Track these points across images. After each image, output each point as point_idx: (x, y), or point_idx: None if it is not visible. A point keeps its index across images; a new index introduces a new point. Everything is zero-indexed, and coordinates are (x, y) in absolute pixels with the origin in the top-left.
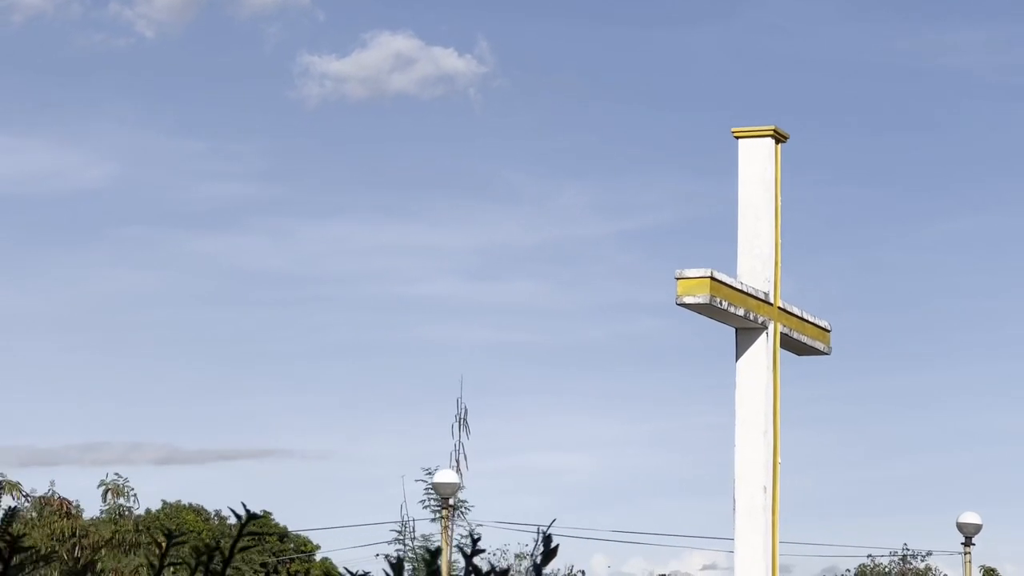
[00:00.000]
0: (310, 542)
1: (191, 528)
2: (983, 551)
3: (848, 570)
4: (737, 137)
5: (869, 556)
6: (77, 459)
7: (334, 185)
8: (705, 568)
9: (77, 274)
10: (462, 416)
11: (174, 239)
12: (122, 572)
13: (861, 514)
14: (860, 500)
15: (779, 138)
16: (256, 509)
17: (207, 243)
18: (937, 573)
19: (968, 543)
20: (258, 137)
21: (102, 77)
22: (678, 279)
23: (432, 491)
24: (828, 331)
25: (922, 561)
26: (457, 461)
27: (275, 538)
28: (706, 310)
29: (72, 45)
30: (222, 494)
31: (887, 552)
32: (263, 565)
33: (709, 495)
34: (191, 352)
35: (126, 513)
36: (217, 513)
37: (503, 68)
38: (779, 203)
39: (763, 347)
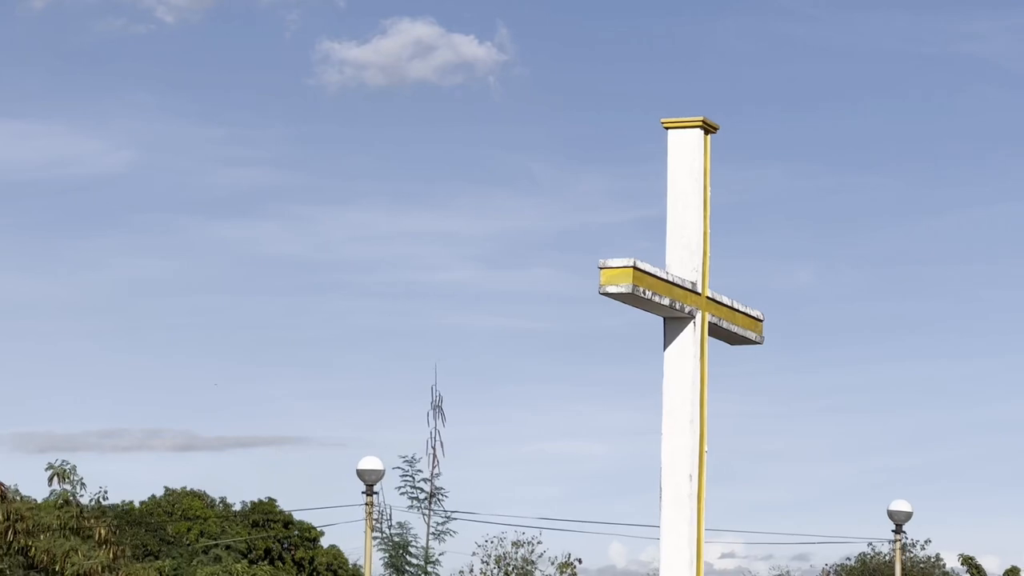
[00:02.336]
0: (314, 528)
1: (196, 514)
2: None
3: (848, 558)
4: (667, 128)
5: (869, 544)
6: (96, 445)
7: (353, 172)
8: (723, 556)
9: (96, 260)
10: (437, 404)
11: (193, 225)
12: (54, 555)
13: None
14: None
15: (708, 129)
16: (268, 496)
17: (226, 230)
18: (940, 563)
19: (899, 530)
20: (277, 124)
21: (121, 63)
22: (601, 268)
23: (409, 479)
24: (760, 320)
25: (922, 549)
26: (433, 449)
27: (279, 524)
28: (630, 299)
29: (92, 31)
30: (237, 481)
31: (888, 540)
32: (267, 551)
33: (727, 483)
34: (209, 338)
35: (71, 499)
36: (222, 500)
37: (523, 56)
38: (708, 193)
39: (690, 336)
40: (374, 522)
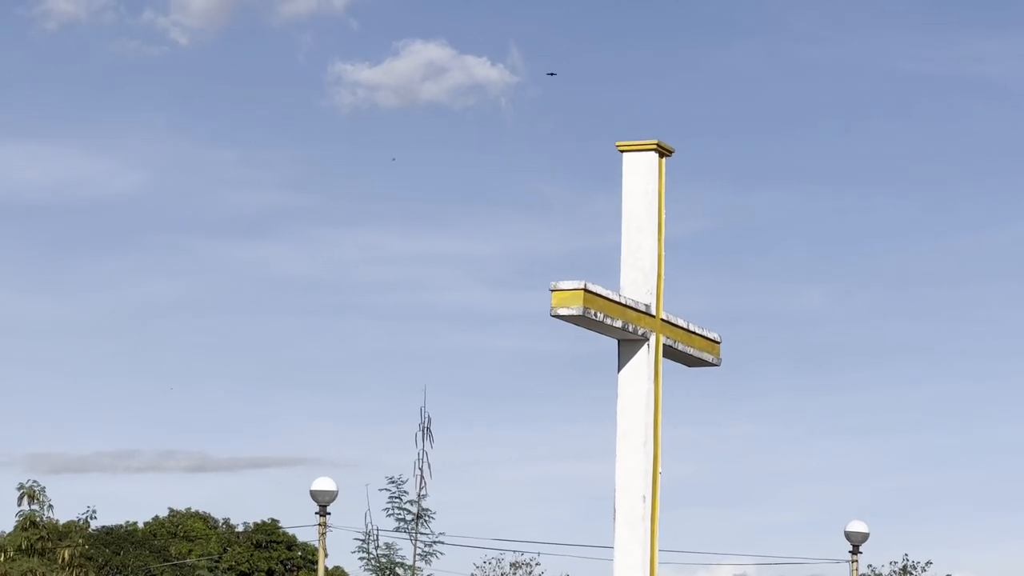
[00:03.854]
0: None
1: (198, 535)
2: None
3: None
4: (621, 151)
5: (869, 566)
6: (109, 466)
7: (365, 194)
8: None
9: (109, 281)
10: (425, 425)
11: (206, 247)
12: (10, 574)
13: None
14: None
15: (663, 152)
16: (272, 517)
17: (238, 251)
18: None
19: (855, 551)
20: (290, 145)
21: (135, 85)
22: (552, 291)
23: (396, 500)
24: (718, 343)
25: (923, 571)
26: (420, 470)
27: (283, 546)
28: (582, 322)
29: (105, 53)
30: (249, 501)
31: (888, 562)
32: (269, 572)
33: (737, 505)
34: (222, 360)
35: (38, 520)
36: (225, 521)
37: (534, 78)
38: (663, 216)
39: (644, 359)
40: (360, 543)
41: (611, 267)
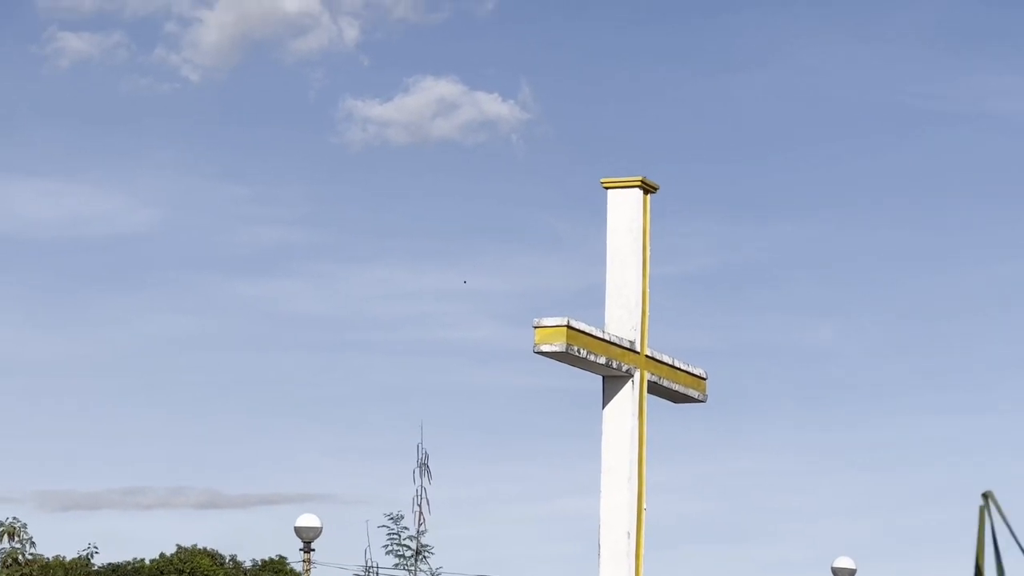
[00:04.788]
0: None
1: (204, 573)
2: None
3: None
4: (606, 187)
5: None
6: (119, 503)
7: (376, 230)
8: None
9: (120, 318)
10: (423, 462)
11: (216, 283)
12: None
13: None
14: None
15: (647, 188)
16: (279, 554)
17: (249, 287)
18: None
19: None
20: (301, 182)
21: (146, 122)
22: (535, 328)
23: (396, 536)
24: (703, 379)
25: None
26: (419, 507)
27: None
28: (566, 358)
29: (118, 90)
30: (260, 538)
31: None
32: None
33: (745, 541)
34: (233, 396)
35: (20, 557)
36: (232, 558)
37: (546, 114)
38: (647, 252)
39: (628, 395)
40: None
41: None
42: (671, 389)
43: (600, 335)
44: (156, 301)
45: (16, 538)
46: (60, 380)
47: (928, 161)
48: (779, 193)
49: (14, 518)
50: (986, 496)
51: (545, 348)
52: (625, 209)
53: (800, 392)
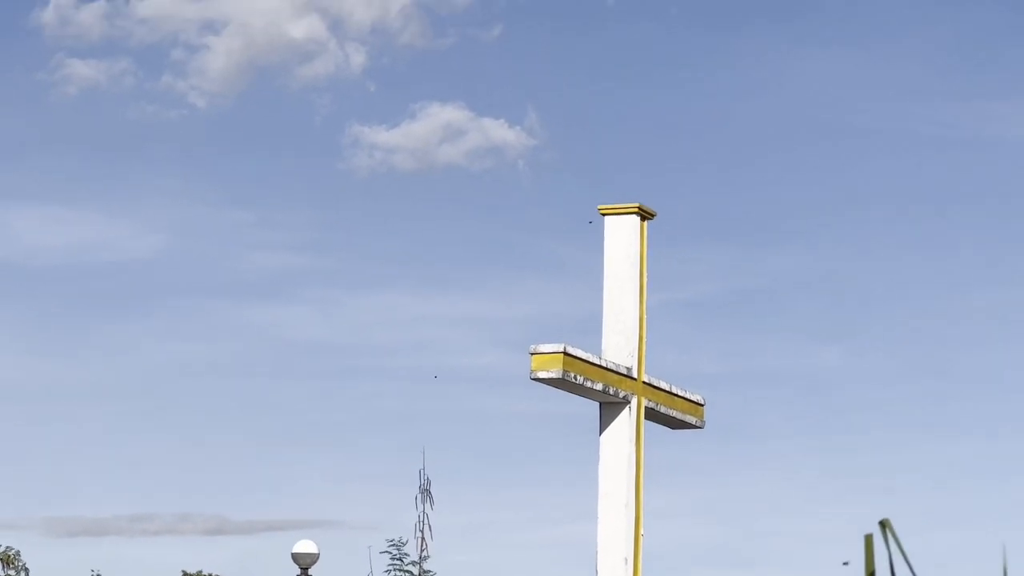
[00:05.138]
0: None
1: None
2: None
3: None
4: (603, 214)
5: None
6: (125, 529)
7: (382, 256)
8: None
9: (126, 345)
10: (425, 487)
11: (222, 310)
12: None
13: None
14: None
15: (645, 215)
16: None
17: (255, 313)
18: None
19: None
20: (307, 208)
21: (153, 148)
22: (532, 354)
23: (398, 562)
24: (701, 405)
25: None
26: (421, 532)
27: None
28: (562, 385)
29: (124, 117)
30: (268, 565)
31: None
32: None
33: (744, 568)
34: (240, 422)
35: None
36: None
37: (553, 140)
38: (645, 279)
39: (626, 421)
40: None
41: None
42: (668, 415)
43: (597, 362)
44: (161, 327)
45: (11, 565)
46: (65, 406)
47: (936, 185)
48: (784, 218)
49: (7, 547)
50: (883, 524)
51: (542, 375)
52: (622, 236)
53: (805, 417)
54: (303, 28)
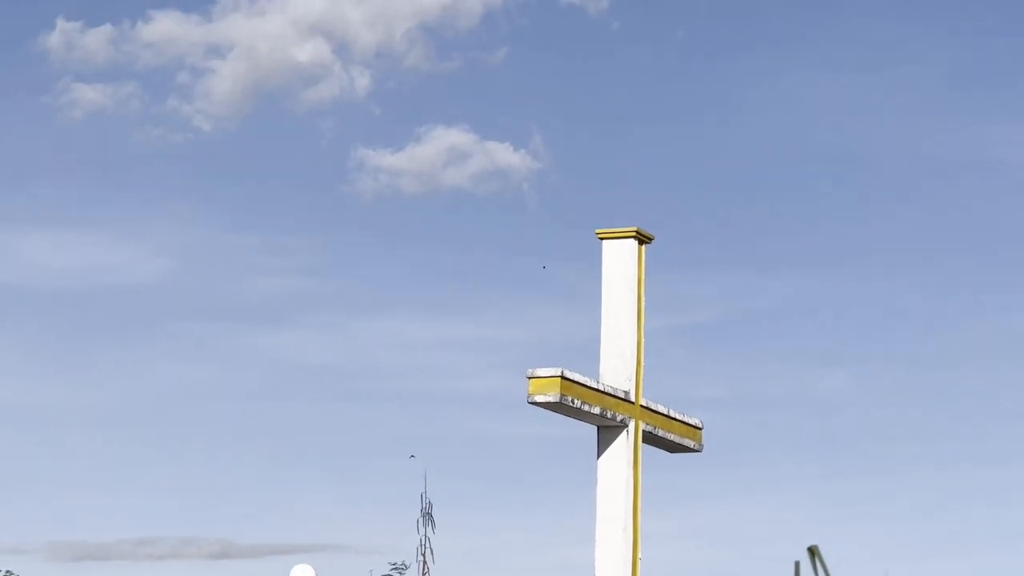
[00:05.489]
0: None
1: None
2: None
3: None
4: (601, 238)
5: None
6: (130, 553)
7: (387, 280)
8: None
9: (132, 369)
10: (427, 511)
11: (228, 334)
12: None
13: None
14: None
15: (642, 239)
16: None
17: (261, 337)
18: None
19: None
20: (312, 231)
21: (158, 172)
22: (530, 378)
23: None
24: (699, 429)
25: None
26: (423, 556)
27: None
28: (560, 408)
29: (130, 141)
30: None
31: None
32: None
33: None
34: (245, 446)
35: None
36: None
37: (558, 163)
38: (642, 302)
39: (623, 445)
40: None
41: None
42: (666, 439)
43: (594, 385)
44: (167, 351)
45: None
46: (71, 430)
47: (940, 210)
48: (788, 242)
49: (8, 571)
50: (812, 551)
51: (539, 398)
52: (620, 259)
53: (807, 441)
54: (308, 52)
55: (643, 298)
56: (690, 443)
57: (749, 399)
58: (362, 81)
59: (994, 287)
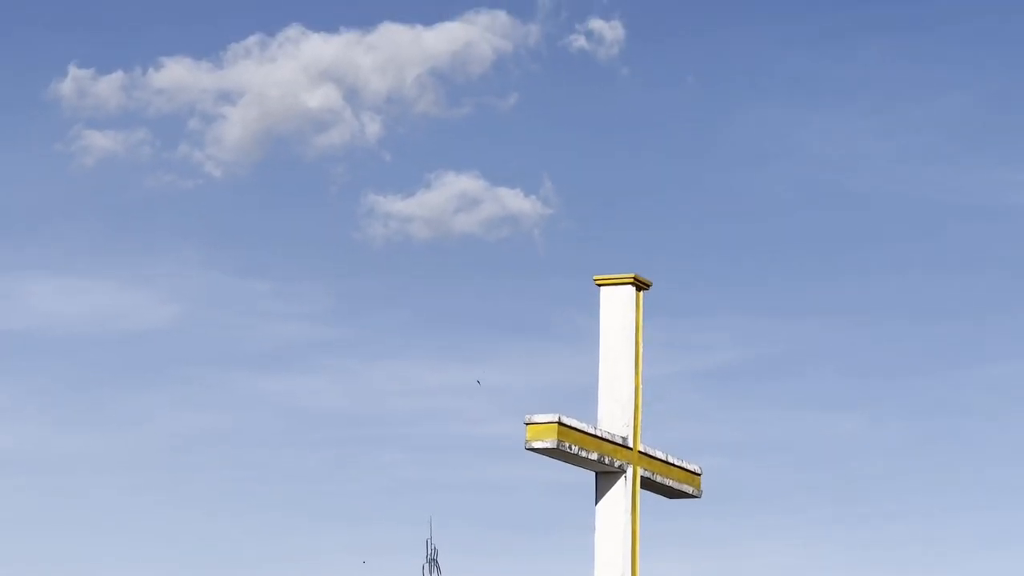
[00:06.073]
0: None
1: None
2: None
3: None
4: (599, 284)
5: None
6: None
7: (398, 326)
8: None
9: (142, 415)
10: (432, 557)
11: (239, 379)
12: None
13: None
14: None
15: (640, 285)
16: None
17: (271, 383)
18: None
19: None
20: (322, 277)
21: (169, 218)
22: (527, 424)
23: None
24: (698, 474)
25: None
26: None
27: None
28: (557, 455)
29: (141, 187)
30: None
31: None
32: None
33: None
34: (256, 492)
35: None
36: None
37: (568, 209)
38: (640, 348)
39: (621, 490)
40: None
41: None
42: (665, 485)
43: (592, 431)
44: (177, 397)
45: None
46: (81, 477)
47: (952, 254)
48: (802, 285)
49: None
50: None
51: (536, 445)
52: (618, 306)
53: (822, 486)
54: (319, 98)
55: (641, 344)
56: (689, 489)
57: (761, 443)
58: (373, 127)
59: (1012, 332)
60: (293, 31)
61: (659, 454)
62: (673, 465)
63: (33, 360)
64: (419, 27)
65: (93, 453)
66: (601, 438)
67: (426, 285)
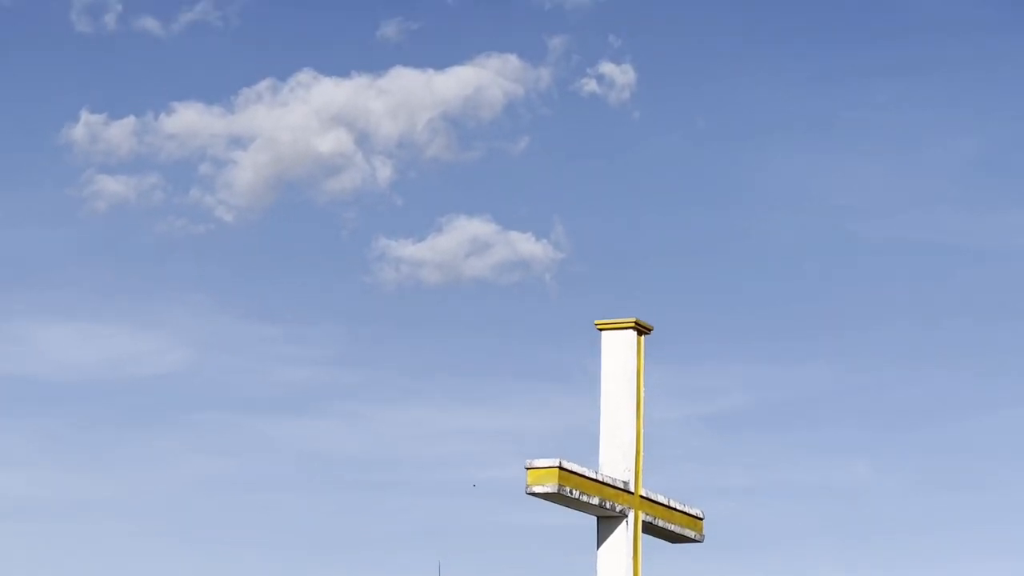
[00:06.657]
0: None
1: None
2: None
3: None
4: (600, 329)
5: None
6: None
7: (409, 370)
8: None
9: (153, 460)
10: None
11: (250, 424)
12: None
13: None
14: None
15: (641, 330)
16: None
17: (282, 428)
18: None
19: None
20: (334, 322)
21: (180, 263)
22: (528, 469)
23: None
24: (700, 519)
25: None
26: None
27: None
28: (558, 499)
29: (152, 232)
30: None
31: None
32: None
33: None
34: (269, 537)
35: None
36: None
37: (579, 253)
38: (642, 393)
39: (623, 535)
40: None
41: (657, 443)
42: (667, 529)
43: (593, 476)
44: (189, 442)
45: None
46: (91, 522)
47: (964, 298)
48: (812, 330)
49: None
50: None
51: (537, 489)
52: (619, 350)
53: (829, 531)
54: (330, 142)
55: (643, 388)
56: (691, 533)
57: (768, 488)
58: (384, 171)
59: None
60: (304, 76)
61: (661, 498)
62: (675, 509)
63: (43, 405)
64: (430, 71)
65: (103, 498)
66: (602, 482)
67: (437, 329)
